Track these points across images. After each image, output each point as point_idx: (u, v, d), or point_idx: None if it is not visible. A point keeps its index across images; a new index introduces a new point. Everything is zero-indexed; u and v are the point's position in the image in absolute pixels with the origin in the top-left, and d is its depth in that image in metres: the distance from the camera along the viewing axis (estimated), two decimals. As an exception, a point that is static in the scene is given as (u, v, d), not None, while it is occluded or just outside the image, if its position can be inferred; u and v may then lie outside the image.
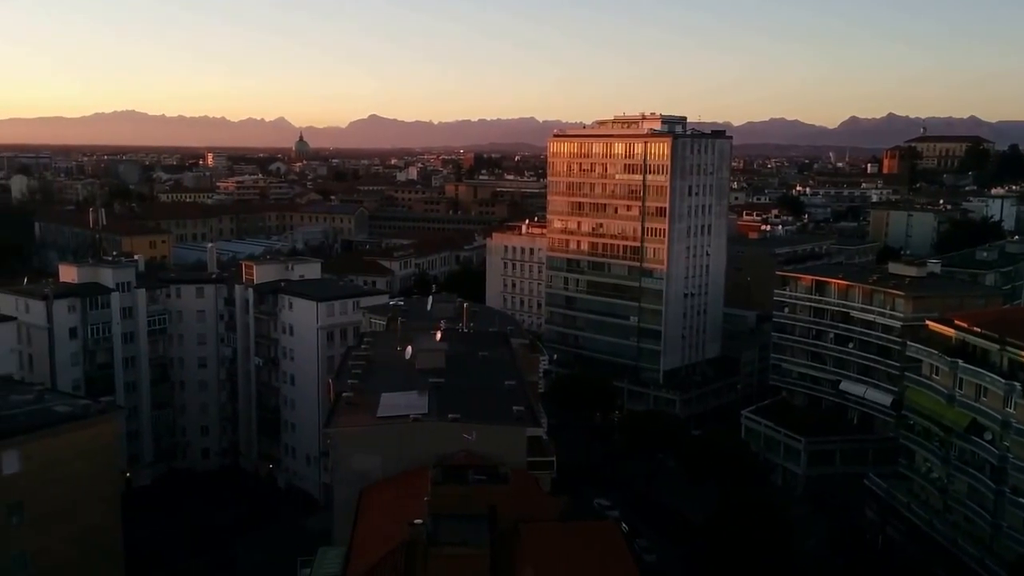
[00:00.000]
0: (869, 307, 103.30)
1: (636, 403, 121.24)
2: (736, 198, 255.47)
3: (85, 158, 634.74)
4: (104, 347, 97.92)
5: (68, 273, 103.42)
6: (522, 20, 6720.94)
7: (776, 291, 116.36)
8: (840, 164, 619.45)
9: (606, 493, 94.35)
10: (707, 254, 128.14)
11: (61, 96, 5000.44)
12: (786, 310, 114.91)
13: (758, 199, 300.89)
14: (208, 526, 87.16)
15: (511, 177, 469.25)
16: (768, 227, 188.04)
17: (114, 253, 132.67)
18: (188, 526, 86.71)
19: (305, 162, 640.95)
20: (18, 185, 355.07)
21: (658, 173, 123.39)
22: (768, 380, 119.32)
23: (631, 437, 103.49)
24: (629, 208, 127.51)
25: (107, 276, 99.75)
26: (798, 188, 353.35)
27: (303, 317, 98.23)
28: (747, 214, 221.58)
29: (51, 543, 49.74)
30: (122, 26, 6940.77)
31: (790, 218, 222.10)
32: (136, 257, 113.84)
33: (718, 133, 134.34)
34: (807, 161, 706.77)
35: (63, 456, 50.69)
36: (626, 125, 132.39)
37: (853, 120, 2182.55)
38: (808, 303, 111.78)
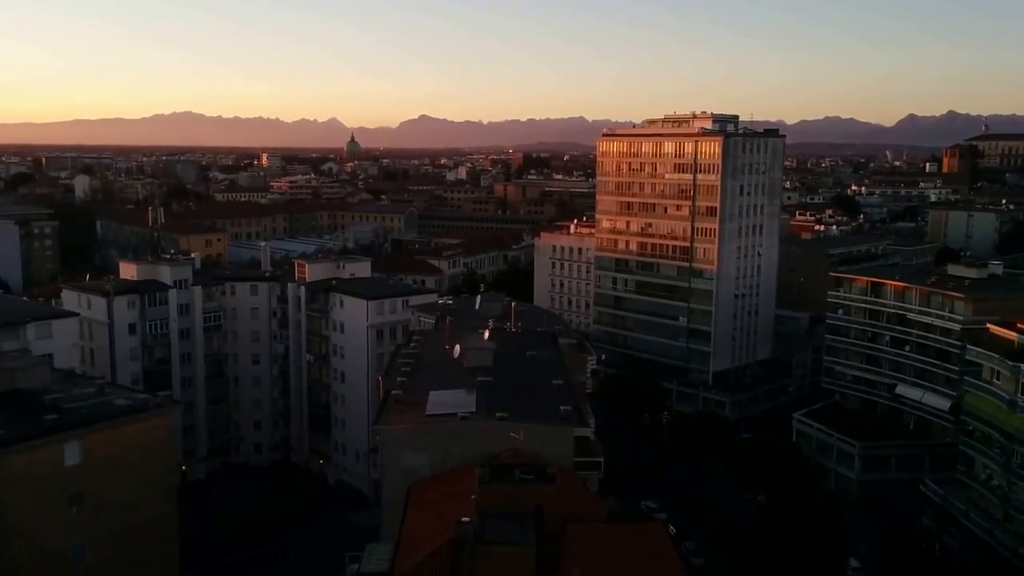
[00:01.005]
0: (927, 309, 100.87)
1: (685, 404, 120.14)
2: (789, 198, 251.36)
3: (145, 158, 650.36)
4: (162, 343, 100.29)
5: (128, 270, 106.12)
6: (572, 19, 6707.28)
7: (830, 292, 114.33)
8: (897, 163, 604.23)
9: (654, 495, 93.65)
10: (758, 254, 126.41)
11: (122, 98, 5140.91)
12: (840, 312, 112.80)
13: (812, 199, 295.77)
14: (260, 520, 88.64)
15: (560, 177, 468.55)
16: (822, 227, 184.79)
17: (172, 251, 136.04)
18: (241, 519, 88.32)
19: (356, 162, 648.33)
20: (81, 185, 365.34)
21: (709, 172, 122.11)
22: (821, 383, 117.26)
23: (679, 439, 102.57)
24: (679, 208, 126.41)
25: (165, 274, 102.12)
26: (853, 187, 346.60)
27: (353, 315, 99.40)
28: (800, 214, 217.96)
29: (109, 533, 50.98)
30: (181, 30, 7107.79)
31: (845, 218, 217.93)
32: (193, 255, 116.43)
33: (771, 132, 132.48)
34: (863, 160, 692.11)
35: (122, 448, 51.90)
36: (676, 124, 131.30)
37: (911, 118, 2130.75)
38: (863, 305, 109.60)
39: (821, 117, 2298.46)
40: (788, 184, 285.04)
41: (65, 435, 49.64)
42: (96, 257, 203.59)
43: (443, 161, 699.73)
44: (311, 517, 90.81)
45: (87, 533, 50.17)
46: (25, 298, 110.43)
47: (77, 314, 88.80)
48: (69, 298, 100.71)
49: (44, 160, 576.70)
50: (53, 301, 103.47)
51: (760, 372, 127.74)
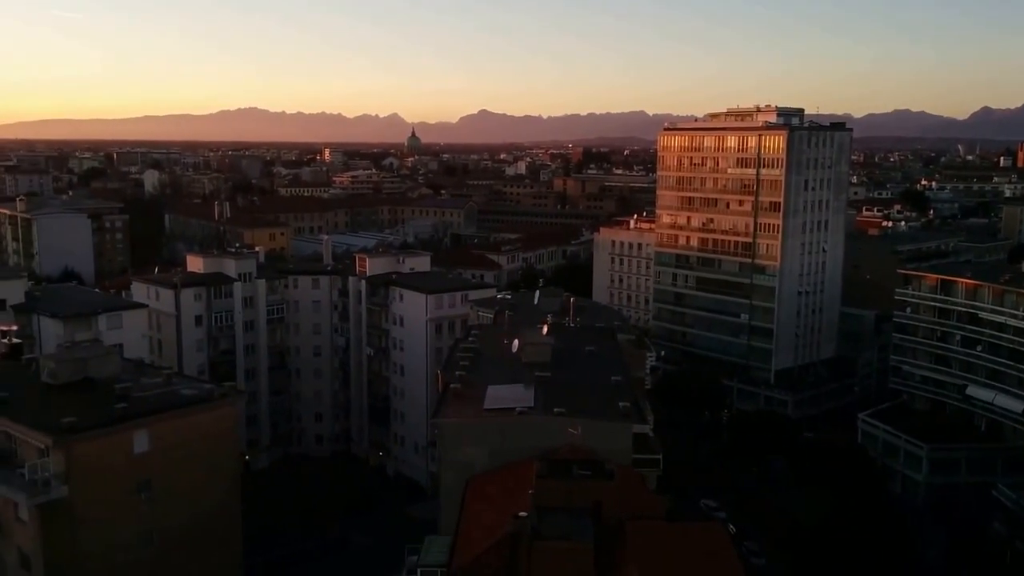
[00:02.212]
0: (1000, 308, 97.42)
1: (746, 403, 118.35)
2: (855, 193, 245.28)
3: (211, 153, 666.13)
4: (227, 334, 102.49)
5: (195, 263, 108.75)
6: (633, 12, 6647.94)
7: (898, 290, 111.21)
8: (970, 157, 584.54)
9: (713, 494, 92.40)
10: (823, 250, 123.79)
11: (190, 95, 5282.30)
12: (908, 310, 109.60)
13: (879, 194, 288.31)
14: (321, 509, 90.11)
15: (620, 171, 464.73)
16: (890, 223, 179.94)
17: (237, 245, 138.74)
18: (302, 509, 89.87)
19: (416, 157, 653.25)
20: (150, 179, 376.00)
21: (773, 167, 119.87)
22: (887, 383, 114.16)
23: (740, 437, 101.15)
24: (741, 203, 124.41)
25: (230, 267, 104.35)
26: (923, 182, 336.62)
27: (413, 309, 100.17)
28: (867, 209, 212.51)
29: (175, 520, 52.14)
30: (246, 29, 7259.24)
31: (914, 214, 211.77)
32: (257, 249, 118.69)
33: (837, 125, 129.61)
34: (933, 154, 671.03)
35: (188, 437, 52.96)
36: (740, 118, 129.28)
37: (985, 111, 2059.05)
38: (932, 303, 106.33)
39: (890, 110, 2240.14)
40: (855, 179, 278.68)
41: (134, 423, 50.87)
42: (164, 250, 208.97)
43: (502, 156, 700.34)
44: (370, 508, 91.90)
45: (155, 520, 51.35)
46: (97, 290, 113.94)
47: (146, 305, 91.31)
48: (138, 290, 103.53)
49: (115, 155, 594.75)
50: (123, 293, 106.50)
51: (824, 371, 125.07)
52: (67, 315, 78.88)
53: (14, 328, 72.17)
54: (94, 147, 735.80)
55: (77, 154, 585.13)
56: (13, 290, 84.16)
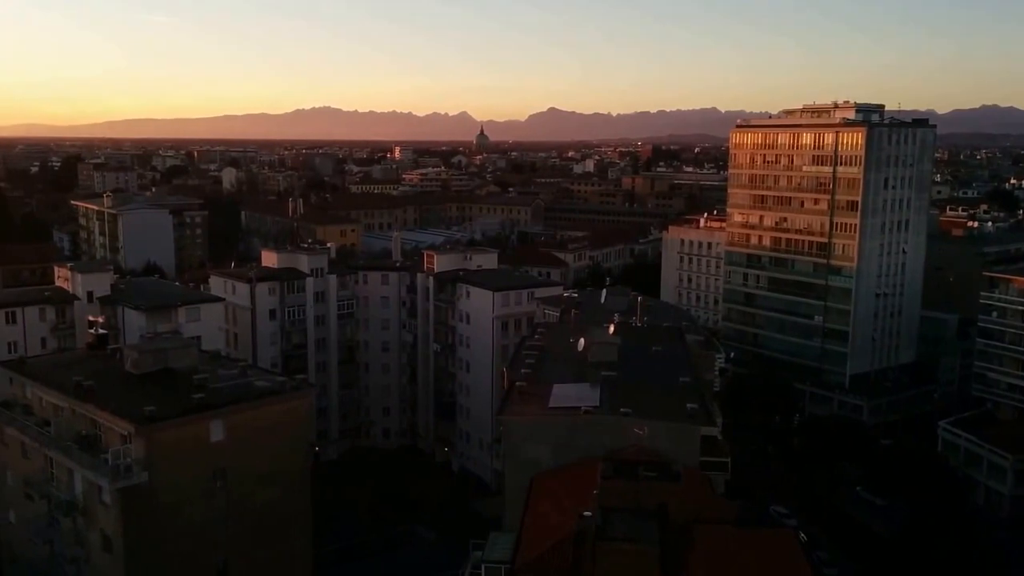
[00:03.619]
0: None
1: (819, 407, 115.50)
2: (939, 192, 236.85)
3: (286, 151, 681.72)
4: (299, 328, 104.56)
5: (269, 258, 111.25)
6: (705, 9, 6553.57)
7: (983, 293, 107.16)
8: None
9: (783, 500, 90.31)
10: (903, 251, 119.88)
11: (266, 94, 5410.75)
12: (994, 314, 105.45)
13: (964, 193, 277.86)
14: (387, 502, 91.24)
15: (690, 169, 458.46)
16: (975, 223, 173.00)
17: (309, 241, 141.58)
18: (369, 501, 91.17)
19: (485, 155, 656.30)
20: (228, 177, 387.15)
21: (850, 165, 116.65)
22: (971, 390, 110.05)
23: (812, 442, 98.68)
24: (816, 202, 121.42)
25: (303, 262, 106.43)
26: (1012, 181, 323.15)
27: (479, 306, 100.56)
28: (951, 209, 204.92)
29: (248, 507, 53.60)
30: (319, 30, 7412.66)
31: (1002, 214, 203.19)
32: (329, 245, 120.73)
33: (920, 122, 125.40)
34: (1023, 152, 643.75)
35: (261, 428, 54.34)
36: (816, 114, 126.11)
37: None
38: (1021, 307, 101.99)
39: (977, 106, 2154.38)
40: (938, 177, 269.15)
41: (211, 413, 52.34)
42: (241, 245, 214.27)
43: (571, 154, 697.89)
44: (436, 503, 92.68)
45: (229, 506, 52.80)
46: (177, 283, 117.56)
47: (223, 299, 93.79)
48: (216, 284, 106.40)
49: (196, 154, 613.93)
50: (202, 286, 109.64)
51: (902, 376, 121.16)
52: (149, 307, 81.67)
53: (100, 319, 75.34)
54: (176, 145, 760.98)
55: (160, 152, 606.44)
56: (100, 283, 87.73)
